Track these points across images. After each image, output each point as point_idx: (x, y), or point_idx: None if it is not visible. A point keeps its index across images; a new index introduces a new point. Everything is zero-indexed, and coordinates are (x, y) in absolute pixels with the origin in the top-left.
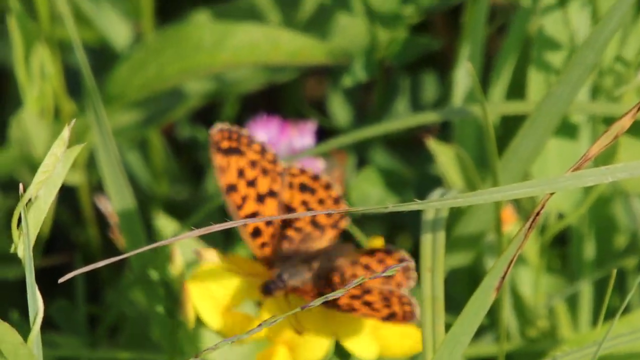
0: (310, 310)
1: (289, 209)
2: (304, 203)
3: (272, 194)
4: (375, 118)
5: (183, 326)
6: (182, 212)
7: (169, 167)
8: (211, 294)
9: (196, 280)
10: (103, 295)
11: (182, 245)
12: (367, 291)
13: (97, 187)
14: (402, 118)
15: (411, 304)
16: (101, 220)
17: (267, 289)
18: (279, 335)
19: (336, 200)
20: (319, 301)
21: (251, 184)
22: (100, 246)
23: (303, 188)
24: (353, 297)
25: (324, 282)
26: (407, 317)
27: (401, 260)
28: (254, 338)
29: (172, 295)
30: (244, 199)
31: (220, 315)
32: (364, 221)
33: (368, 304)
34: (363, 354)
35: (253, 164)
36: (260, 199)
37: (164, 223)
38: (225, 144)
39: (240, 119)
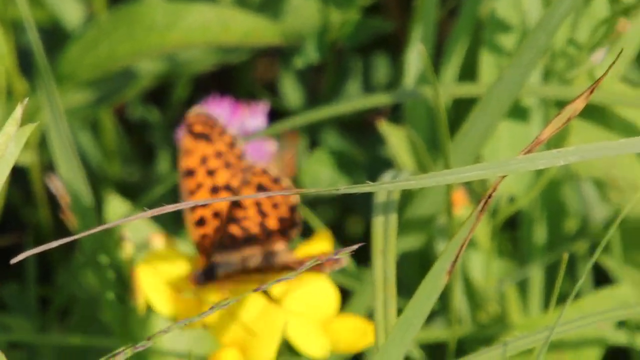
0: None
1: (240, 206)
2: (257, 204)
3: (228, 188)
4: (327, 100)
5: (134, 312)
6: (133, 193)
7: (121, 148)
8: (161, 279)
9: (146, 266)
10: (54, 277)
11: (133, 227)
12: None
13: (49, 167)
14: (353, 100)
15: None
16: (53, 200)
17: (196, 280)
18: (228, 336)
19: (292, 209)
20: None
21: (210, 173)
22: (52, 227)
23: (260, 189)
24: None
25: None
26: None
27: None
28: (204, 322)
29: (122, 280)
30: (199, 186)
31: (170, 300)
32: (315, 203)
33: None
34: (313, 352)
35: (219, 154)
36: (215, 190)
37: (116, 204)
38: (198, 128)
39: (192, 100)
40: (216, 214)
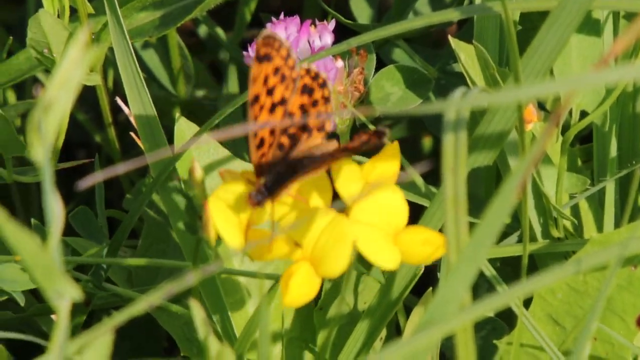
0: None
1: (290, 115)
2: (302, 107)
3: (282, 102)
4: (396, 16)
5: (205, 242)
6: (202, 113)
7: (187, 68)
8: (232, 213)
9: (217, 199)
10: (122, 199)
11: (202, 148)
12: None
13: (116, 88)
14: (423, 16)
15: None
16: (121, 120)
17: (253, 200)
18: (299, 251)
19: (326, 100)
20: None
21: (270, 92)
22: (121, 148)
23: (304, 90)
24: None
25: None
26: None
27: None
28: (275, 254)
29: (193, 209)
30: (261, 108)
31: (241, 233)
32: (384, 120)
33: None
34: (384, 263)
35: (276, 70)
36: (273, 108)
37: (183, 125)
38: (262, 51)
39: (259, 18)
40: (271, 132)
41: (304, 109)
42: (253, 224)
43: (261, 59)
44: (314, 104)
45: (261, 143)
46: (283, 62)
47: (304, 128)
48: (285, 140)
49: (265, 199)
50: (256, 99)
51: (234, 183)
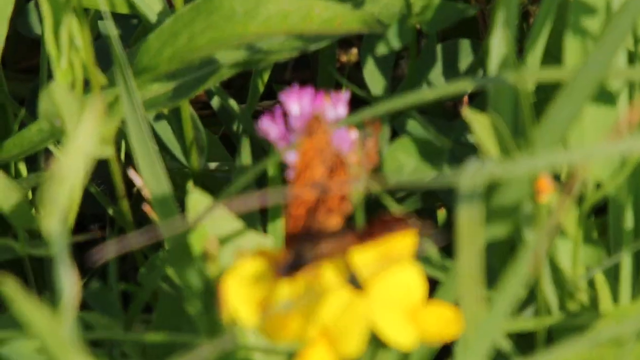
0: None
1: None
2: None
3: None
4: (409, 87)
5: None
6: (215, 185)
7: (201, 138)
8: (248, 291)
9: (234, 277)
10: (135, 272)
11: (216, 220)
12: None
13: (129, 160)
14: (437, 86)
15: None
16: (133, 194)
17: (283, 271)
18: (315, 331)
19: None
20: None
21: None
22: (134, 220)
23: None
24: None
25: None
26: None
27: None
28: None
29: (208, 287)
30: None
31: (257, 312)
32: (398, 192)
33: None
34: (400, 343)
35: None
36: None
37: (197, 197)
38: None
39: (272, 89)
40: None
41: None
42: (269, 304)
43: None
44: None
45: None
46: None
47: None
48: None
49: (294, 272)
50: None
51: (250, 261)
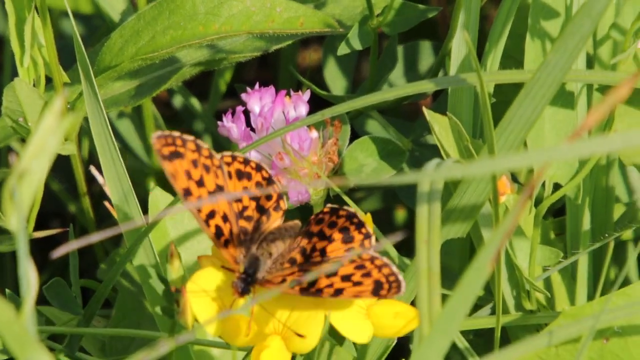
0: (300, 299)
1: (237, 200)
2: (245, 189)
3: (220, 189)
4: (370, 87)
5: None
6: None
7: None
8: (209, 299)
9: (195, 285)
10: (96, 267)
11: (176, 219)
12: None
13: (90, 157)
14: (397, 87)
15: (391, 270)
16: (96, 190)
17: (239, 288)
18: (270, 326)
19: (269, 181)
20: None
21: (200, 184)
22: (95, 217)
23: (239, 175)
24: (328, 275)
25: (289, 265)
26: (395, 288)
27: (351, 218)
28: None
29: (170, 293)
30: (199, 199)
31: (218, 320)
32: (358, 191)
33: (347, 278)
34: (356, 337)
35: (194, 163)
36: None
37: (158, 195)
38: (166, 150)
39: (234, 88)
40: (225, 219)
41: (249, 193)
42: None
43: (169, 157)
44: (258, 185)
45: (219, 231)
46: (197, 155)
47: (260, 210)
48: (245, 223)
49: (249, 286)
50: (188, 192)
51: (211, 268)
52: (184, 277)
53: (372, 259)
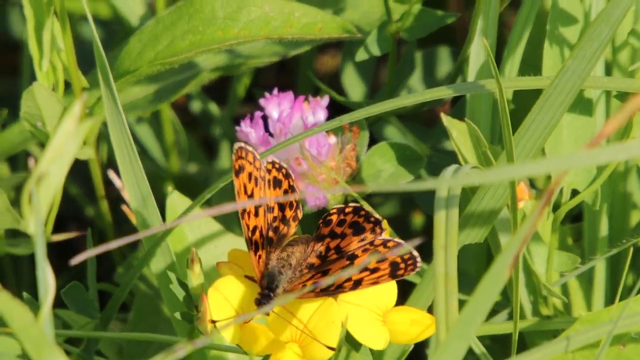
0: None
1: (269, 208)
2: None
3: (261, 204)
4: (389, 93)
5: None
6: (194, 188)
7: (181, 143)
8: (229, 306)
9: (216, 292)
10: (114, 271)
11: (194, 223)
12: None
13: (109, 162)
14: (415, 93)
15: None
16: (113, 194)
17: (262, 305)
18: (288, 333)
19: (293, 189)
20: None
21: (250, 198)
22: (113, 221)
23: (275, 183)
24: (344, 268)
25: (308, 270)
26: (411, 265)
27: (358, 211)
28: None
29: (190, 299)
30: (249, 215)
31: (237, 328)
32: (375, 197)
33: (364, 268)
34: (373, 343)
35: (250, 176)
36: (256, 213)
37: (176, 200)
38: (237, 164)
39: (253, 94)
40: (260, 233)
41: (278, 202)
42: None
43: (237, 172)
44: (285, 193)
45: (257, 247)
46: (253, 167)
47: (283, 220)
48: (272, 235)
49: (271, 301)
50: (244, 209)
51: (232, 277)
52: (203, 283)
53: (384, 243)
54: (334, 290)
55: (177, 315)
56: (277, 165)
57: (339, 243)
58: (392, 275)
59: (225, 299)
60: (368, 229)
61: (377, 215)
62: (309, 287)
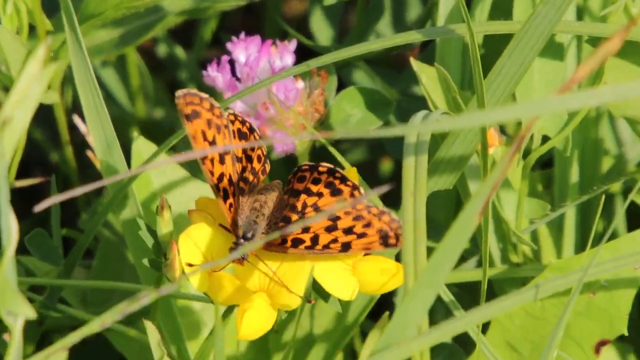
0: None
1: (237, 159)
2: (244, 152)
3: (227, 150)
4: (357, 37)
5: (168, 280)
6: (160, 133)
7: (147, 87)
8: (200, 254)
9: (187, 238)
10: (78, 217)
11: (160, 170)
12: (336, 218)
13: (74, 106)
14: (385, 37)
15: (391, 217)
16: (78, 139)
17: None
18: (255, 282)
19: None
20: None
21: (212, 145)
22: (77, 166)
23: (240, 135)
24: (328, 229)
25: (285, 224)
26: (401, 237)
27: (333, 173)
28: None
29: (158, 246)
30: (212, 161)
31: (206, 276)
32: (343, 143)
33: (349, 231)
34: (341, 294)
35: (209, 123)
36: (221, 159)
37: (141, 145)
38: (188, 109)
39: (220, 37)
40: (230, 182)
41: (246, 154)
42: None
43: (190, 117)
44: (252, 148)
45: (226, 195)
46: (212, 115)
47: (253, 172)
48: (243, 185)
49: (247, 250)
50: (206, 156)
51: (204, 224)
52: (171, 228)
53: (367, 209)
54: (320, 250)
55: (145, 262)
56: (239, 118)
57: (316, 201)
58: (383, 243)
59: (196, 246)
60: (346, 192)
61: (354, 181)
62: (290, 242)
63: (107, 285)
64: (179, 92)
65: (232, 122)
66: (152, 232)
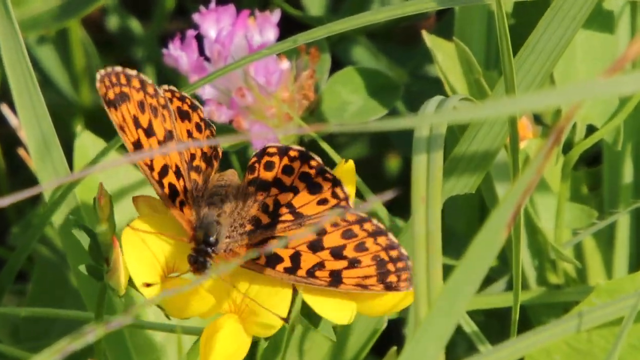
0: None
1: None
2: (188, 132)
3: (170, 135)
4: (357, 6)
5: (112, 290)
6: (110, 126)
7: (94, 67)
8: (150, 253)
9: (132, 234)
10: (8, 232)
11: (109, 171)
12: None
13: (3, 93)
14: (390, 6)
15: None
16: (7, 134)
17: (196, 262)
18: (227, 304)
19: (206, 123)
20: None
21: (149, 132)
22: (6, 167)
23: (182, 115)
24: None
25: (253, 227)
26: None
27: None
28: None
29: (98, 248)
30: (150, 151)
31: (158, 278)
32: (339, 136)
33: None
34: (336, 317)
35: (141, 105)
36: (162, 145)
37: (86, 140)
38: (111, 94)
39: (184, 8)
40: (178, 175)
41: (190, 135)
42: (173, 271)
43: (115, 101)
44: (198, 128)
45: (173, 191)
46: (145, 94)
47: (206, 159)
48: (195, 176)
49: (209, 257)
50: (138, 145)
51: (152, 214)
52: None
53: (360, 223)
54: (305, 278)
55: (82, 268)
56: (177, 95)
57: (291, 199)
58: (382, 281)
59: (143, 244)
60: (326, 188)
61: (331, 173)
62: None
63: (44, 313)
64: (99, 74)
65: (170, 100)
66: (90, 232)
